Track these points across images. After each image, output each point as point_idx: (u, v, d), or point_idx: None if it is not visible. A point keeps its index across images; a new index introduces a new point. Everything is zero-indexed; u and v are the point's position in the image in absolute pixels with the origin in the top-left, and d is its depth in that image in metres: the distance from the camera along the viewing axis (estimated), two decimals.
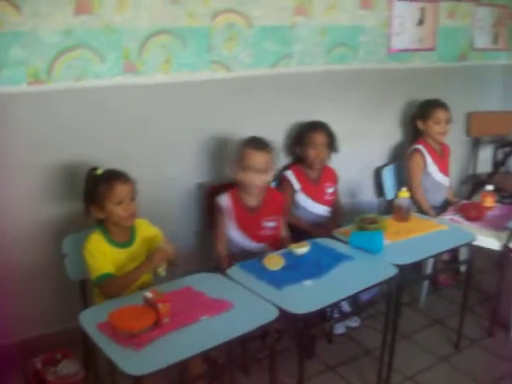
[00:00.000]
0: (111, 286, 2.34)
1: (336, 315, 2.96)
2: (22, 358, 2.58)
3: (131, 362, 1.82)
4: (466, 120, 4.59)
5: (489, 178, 4.32)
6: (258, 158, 2.86)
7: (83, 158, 2.79)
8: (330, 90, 3.69)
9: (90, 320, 2.05)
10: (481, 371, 2.92)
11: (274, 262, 2.49)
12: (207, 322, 2.06)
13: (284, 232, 3.08)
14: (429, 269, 3.42)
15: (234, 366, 2.73)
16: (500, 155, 4.47)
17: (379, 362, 2.72)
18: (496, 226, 3.13)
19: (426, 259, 3.13)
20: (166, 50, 2.97)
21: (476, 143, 4.68)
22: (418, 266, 3.32)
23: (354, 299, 2.89)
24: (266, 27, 3.28)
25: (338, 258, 2.58)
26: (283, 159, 3.53)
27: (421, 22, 4.01)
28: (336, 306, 2.84)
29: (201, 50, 3.08)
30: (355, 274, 2.48)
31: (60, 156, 2.79)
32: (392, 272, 2.47)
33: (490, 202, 3.35)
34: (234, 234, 2.93)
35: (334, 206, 3.53)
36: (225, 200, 2.92)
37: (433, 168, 3.77)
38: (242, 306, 2.16)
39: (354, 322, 3.27)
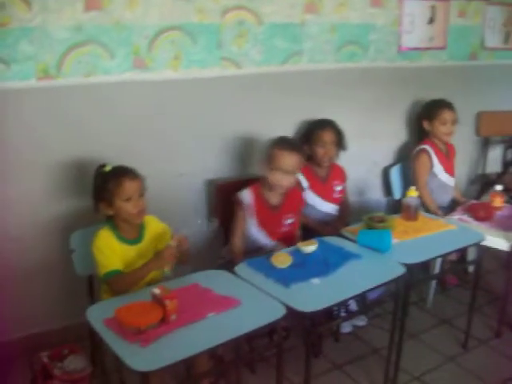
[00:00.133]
0: (119, 283, 2.34)
1: (343, 314, 2.96)
2: (30, 353, 2.58)
3: (138, 358, 1.82)
4: (475, 120, 4.56)
5: (498, 177, 4.31)
6: (288, 160, 2.85)
7: (92, 155, 2.80)
8: (339, 88, 3.67)
9: (97, 316, 2.05)
10: (489, 372, 2.90)
11: (282, 259, 2.49)
12: (214, 318, 2.05)
13: (297, 231, 3.08)
14: (437, 268, 3.41)
15: (240, 364, 2.73)
16: (510, 155, 4.47)
17: (386, 361, 2.71)
18: (505, 226, 3.11)
19: (434, 259, 3.11)
20: (176, 46, 2.97)
21: (485, 143, 4.65)
22: (425, 265, 3.30)
23: (361, 298, 2.89)
24: (275, 24, 3.27)
25: (345, 257, 2.57)
26: None
27: (431, 21, 3.99)
28: (343, 304, 2.84)
29: (211, 46, 3.08)
30: (363, 273, 2.47)
31: (68, 152, 2.80)
32: (400, 271, 2.46)
33: (499, 202, 3.33)
34: (253, 230, 2.91)
35: (343, 204, 3.51)
36: (247, 196, 2.90)
37: (439, 169, 3.75)
38: (249, 304, 2.16)
39: (361, 321, 3.26)
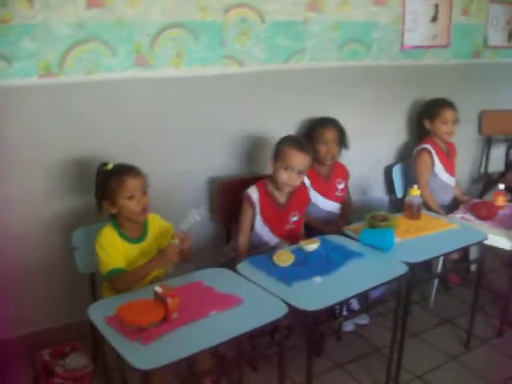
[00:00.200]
0: (121, 281, 2.34)
1: (345, 313, 2.95)
2: (31, 350, 2.59)
3: (139, 356, 1.81)
4: (478, 118, 4.55)
5: (501, 176, 4.29)
6: (297, 158, 2.84)
7: (93, 153, 2.80)
8: (341, 87, 3.66)
9: (99, 313, 2.05)
10: (491, 371, 2.89)
11: (284, 258, 2.48)
12: (216, 317, 2.05)
13: (302, 229, 3.07)
14: (439, 267, 3.40)
15: (242, 362, 2.73)
16: None
17: (388, 360, 2.69)
18: (507, 225, 3.10)
19: (436, 258, 3.10)
20: (178, 44, 2.96)
21: (488, 141, 4.64)
22: (427, 264, 3.29)
23: (363, 297, 2.88)
24: (278, 22, 3.26)
25: (347, 255, 2.57)
26: None
27: (434, 19, 3.98)
28: (345, 303, 2.83)
29: (213, 44, 3.07)
30: (365, 272, 2.46)
31: (70, 150, 2.80)
32: (402, 270, 2.45)
33: (501, 201, 3.32)
34: (259, 227, 2.90)
35: (345, 202, 3.51)
36: (254, 192, 2.89)
37: (439, 168, 3.74)
38: (251, 302, 2.15)
39: (363, 320, 3.25)
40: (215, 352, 2.38)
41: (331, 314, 2.86)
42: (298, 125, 3.54)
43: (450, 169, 3.80)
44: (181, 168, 3.15)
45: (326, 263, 2.48)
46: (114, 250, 2.37)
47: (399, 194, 3.89)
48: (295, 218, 2.98)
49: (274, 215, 2.91)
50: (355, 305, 2.98)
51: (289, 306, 2.13)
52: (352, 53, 3.65)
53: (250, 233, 2.90)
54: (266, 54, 3.28)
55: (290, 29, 3.33)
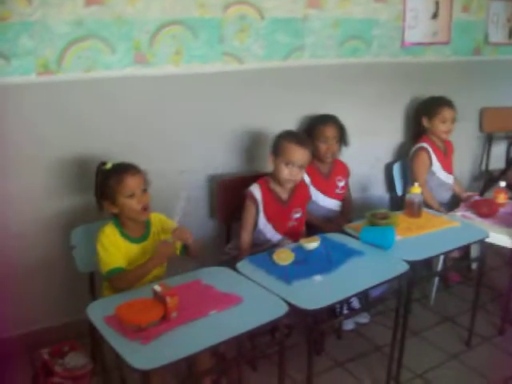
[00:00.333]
0: (121, 280, 2.32)
1: (345, 311, 2.94)
2: (31, 350, 2.58)
3: (138, 355, 1.80)
4: (479, 115, 4.54)
5: (501, 174, 4.28)
6: (298, 153, 2.83)
7: (92, 151, 2.78)
8: (341, 84, 3.65)
9: (98, 313, 2.04)
10: (492, 369, 2.88)
11: (284, 256, 2.47)
12: (216, 316, 2.03)
13: (304, 226, 3.06)
14: (439, 266, 3.38)
15: (242, 361, 2.72)
16: None
17: (389, 358, 2.69)
18: (508, 222, 3.08)
19: (437, 256, 3.08)
20: (177, 41, 2.94)
21: (489, 139, 4.62)
22: (428, 262, 3.28)
23: (363, 295, 2.87)
24: (277, 19, 3.25)
25: (348, 254, 2.55)
26: None
27: (435, 16, 3.96)
28: (346, 301, 2.82)
29: (212, 41, 3.05)
30: (366, 270, 2.45)
31: (69, 148, 2.78)
32: (403, 268, 2.44)
33: (502, 198, 3.31)
34: (262, 224, 2.89)
35: (345, 200, 3.49)
36: (256, 190, 2.87)
37: (437, 167, 3.73)
38: (251, 301, 2.14)
39: (364, 318, 3.24)
40: (215, 351, 2.37)
41: (331, 312, 2.85)
42: (298, 122, 3.52)
43: (447, 167, 3.79)
44: (180, 167, 3.13)
45: (327, 262, 2.47)
46: (115, 249, 2.35)
47: (399, 191, 3.87)
48: (298, 215, 2.97)
49: (277, 212, 2.90)
50: (356, 303, 2.97)
51: (289, 304, 2.11)
52: (352, 50, 3.64)
53: (252, 231, 2.88)
54: (265, 51, 3.26)
55: (289, 26, 3.32)
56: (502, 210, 3.24)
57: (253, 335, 2.60)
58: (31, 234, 2.78)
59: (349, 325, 3.17)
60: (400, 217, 2.94)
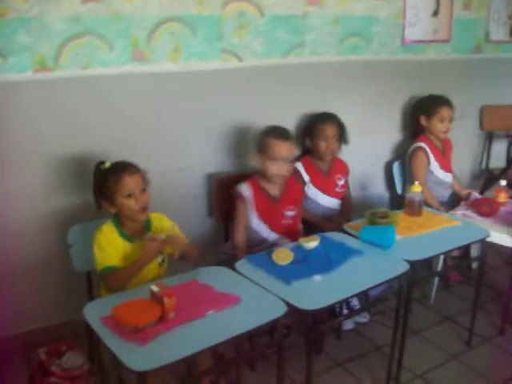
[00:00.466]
0: (114, 279, 2.30)
1: (345, 311, 2.92)
2: (27, 349, 2.56)
3: (135, 357, 1.78)
4: (479, 113, 4.51)
5: (502, 172, 4.25)
6: (283, 148, 2.83)
7: (90, 149, 2.77)
8: (341, 81, 3.63)
9: (94, 313, 2.01)
10: (492, 370, 2.86)
11: (283, 256, 2.44)
12: (214, 316, 2.01)
13: (299, 225, 3.04)
14: (439, 265, 3.36)
15: (241, 362, 2.69)
16: None
17: (389, 358, 2.67)
18: (509, 222, 3.06)
19: (438, 255, 3.06)
20: (175, 38, 2.92)
21: (489, 137, 4.60)
22: (428, 262, 3.25)
23: (363, 295, 2.85)
24: (277, 16, 3.22)
25: (348, 253, 2.53)
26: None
27: (435, 13, 3.94)
28: (345, 301, 2.80)
29: (211, 38, 3.03)
30: (366, 270, 2.42)
31: (66, 146, 2.76)
32: (403, 268, 2.42)
33: (503, 197, 3.28)
34: (255, 223, 2.88)
35: (345, 198, 3.48)
36: (246, 189, 2.87)
37: (435, 166, 3.71)
38: (249, 301, 2.12)
39: (363, 318, 3.22)
40: (214, 352, 2.34)
41: (331, 312, 2.83)
42: (297, 119, 3.50)
43: (445, 166, 3.77)
44: (179, 164, 3.11)
45: (326, 261, 2.44)
46: (111, 248, 2.33)
47: (399, 190, 3.85)
48: (291, 213, 2.95)
49: (269, 209, 2.89)
50: (355, 303, 2.95)
51: (288, 304, 2.09)
52: (352, 47, 3.61)
53: (246, 230, 2.87)
54: (265, 48, 3.24)
55: (289, 23, 3.29)
56: (502, 208, 3.21)
57: (251, 335, 2.58)
58: (29, 232, 2.76)
59: (348, 324, 3.15)
60: (400, 216, 2.92)
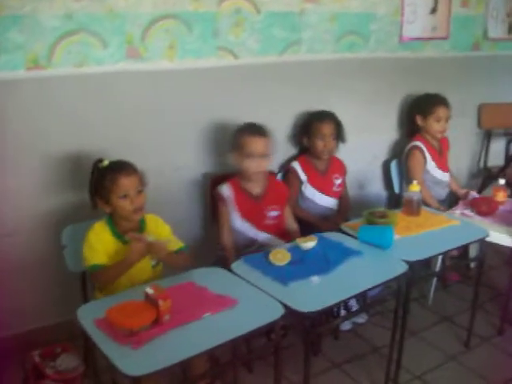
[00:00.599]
0: (101, 276, 2.29)
1: (343, 311, 2.89)
2: (21, 351, 2.52)
3: (129, 360, 1.74)
4: (477, 111, 4.49)
5: (500, 171, 4.22)
6: (258, 144, 2.82)
7: (84, 147, 2.74)
8: (338, 79, 3.60)
9: (88, 316, 1.98)
10: (491, 370, 2.83)
11: (280, 256, 2.41)
12: (210, 319, 1.98)
13: (294, 225, 3.02)
14: (438, 264, 3.34)
15: (237, 364, 2.66)
16: None
17: (387, 359, 2.64)
18: (508, 221, 3.03)
19: (437, 255, 3.03)
20: (171, 35, 2.89)
21: (487, 135, 4.57)
22: (426, 261, 3.22)
23: (361, 296, 2.81)
24: (274, 13, 3.19)
25: (346, 253, 2.50)
26: (290, 149, 3.47)
27: (434, 10, 3.91)
28: (343, 302, 2.77)
29: (206, 35, 3.00)
30: (364, 271, 2.39)
31: (60, 145, 2.73)
32: (402, 269, 2.39)
33: (502, 196, 3.25)
34: (239, 223, 2.87)
35: (342, 198, 3.45)
36: (226, 189, 2.87)
37: (431, 166, 3.69)
38: (246, 303, 2.08)
39: (361, 318, 3.18)
40: (210, 355, 2.31)
41: (329, 313, 2.79)
42: (294, 118, 3.48)
43: (442, 165, 3.75)
44: (175, 163, 3.08)
45: (324, 262, 2.41)
46: (100, 246, 2.31)
47: (397, 189, 3.83)
48: (274, 213, 2.93)
49: (251, 208, 2.88)
50: (353, 303, 2.92)
51: (285, 306, 2.06)
52: (349, 45, 3.58)
53: (231, 231, 2.86)
54: (261, 45, 3.20)
55: (286, 20, 3.26)
56: (501, 208, 3.19)
57: (248, 337, 2.54)
58: (24, 232, 2.73)
59: (346, 325, 3.12)
60: (398, 215, 2.88)
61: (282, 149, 3.42)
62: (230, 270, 2.36)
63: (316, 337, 2.89)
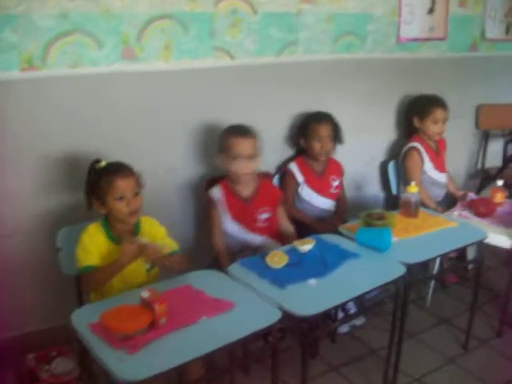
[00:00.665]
0: (93, 278, 2.26)
1: (341, 314, 2.87)
2: (16, 354, 2.50)
3: (125, 365, 1.72)
4: (475, 112, 4.48)
5: (498, 172, 4.21)
6: (245, 145, 2.81)
7: (79, 148, 2.72)
8: (335, 80, 3.58)
9: (82, 320, 1.95)
10: (490, 373, 2.82)
11: (277, 259, 2.39)
12: (207, 323, 1.95)
13: (289, 228, 2.99)
14: (436, 266, 3.32)
15: (234, 368, 2.64)
16: (510, 149, 4.37)
17: (385, 362, 2.62)
18: (506, 222, 3.02)
19: (435, 257, 3.01)
20: (167, 35, 2.86)
21: (485, 136, 4.56)
22: (424, 263, 3.20)
23: (359, 299, 2.79)
24: (271, 13, 3.17)
25: (343, 256, 2.47)
26: (287, 151, 3.46)
27: (431, 11, 3.89)
28: (341, 305, 2.75)
29: (203, 36, 2.97)
30: (362, 273, 2.37)
31: (55, 146, 2.70)
32: (400, 271, 2.37)
33: (500, 197, 3.24)
34: (230, 225, 2.86)
35: (339, 200, 3.44)
36: (216, 192, 2.86)
37: (429, 167, 3.67)
38: (243, 307, 2.06)
39: (359, 321, 3.17)
40: (206, 359, 2.28)
41: (326, 315, 2.77)
42: (291, 119, 3.46)
43: (439, 166, 3.73)
44: (170, 165, 3.06)
45: (321, 264, 2.39)
46: (94, 248, 2.29)
47: (395, 190, 3.81)
48: (265, 215, 2.91)
49: (241, 210, 2.86)
50: (351, 306, 2.90)
51: (282, 309, 2.04)
52: (346, 45, 3.56)
53: (222, 234, 2.85)
54: (258, 46, 3.18)
55: (282, 20, 3.24)
56: (499, 209, 3.18)
57: (245, 341, 2.52)
58: (19, 235, 2.71)
59: (343, 327, 3.10)
60: (396, 217, 2.86)
61: (278, 150, 3.40)
62: (223, 271, 2.35)
63: (313, 340, 2.87)
